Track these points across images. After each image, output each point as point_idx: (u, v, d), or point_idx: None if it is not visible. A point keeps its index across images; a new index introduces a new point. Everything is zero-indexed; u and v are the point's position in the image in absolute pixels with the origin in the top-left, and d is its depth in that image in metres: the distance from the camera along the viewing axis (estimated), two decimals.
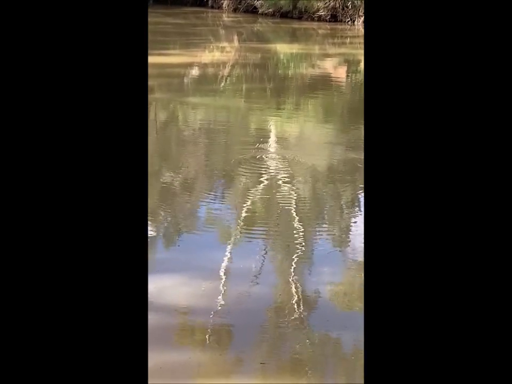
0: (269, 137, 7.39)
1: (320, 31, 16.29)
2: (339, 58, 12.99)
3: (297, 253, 4.48)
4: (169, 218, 5.14)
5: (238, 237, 4.76)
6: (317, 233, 4.88)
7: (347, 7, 16.83)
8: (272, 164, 6.30)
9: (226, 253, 4.44)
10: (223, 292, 3.90)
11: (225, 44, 14.59)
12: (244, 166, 6.17)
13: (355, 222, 5.11)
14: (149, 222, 4.75)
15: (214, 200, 5.51)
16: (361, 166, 6.26)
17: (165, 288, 3.89)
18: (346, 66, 12.34)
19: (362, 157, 6.50)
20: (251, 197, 5.47)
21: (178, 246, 4.68)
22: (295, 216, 5.06)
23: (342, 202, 5.51)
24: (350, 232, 4.93)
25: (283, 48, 14.23)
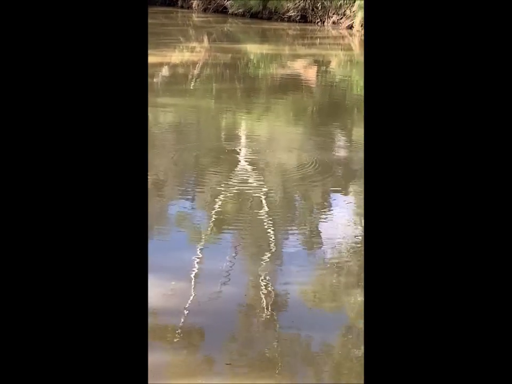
0: (239, 137, 7.39)
1: (290, 32, 16.32)
2: (309, 59, 13.03)
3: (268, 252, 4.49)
4: None
5: (209, 236, 4.76)
6: (288, 232, 4.89)
7: (317, 8, 16.88)
8: (242, 162, 6.30)
9: (197, 253, 4.43)
10: (193, 292, 3.89)
11: (195, 44, 14.55)
12: (213, 165, 6.17)
13: (324, 221, 5.13)
14: None
15: (184, 200, 5.50)
16: (331, 165, 6.28)
17: None
18: (316, 67, 12.38)
19: (331, 157, 6.53)
20: (221, 196, 5.46)
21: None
22: (266, 216, 5.07)
23: (312, 201, 5.52)
24: (320, 231, 4.95)
25: (253, 49, 14.23)
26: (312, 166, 6.28)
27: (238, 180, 5.85)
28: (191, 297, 3.83)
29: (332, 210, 5.35)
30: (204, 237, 4.75)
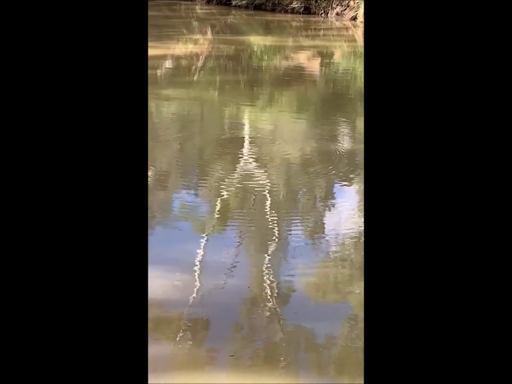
0: (243, 129, 7.38)
1: (293, 23, 16.28)
2: (312, 51, 13.00)
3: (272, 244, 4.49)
4: None
5: (213, 228, 4.76)
6: (292, 225, 4.89)
7: None
8: (246, 155, 6.29)
9: (201, 245, 4.44)
10: (197, 284, 3.90)
11: (198, 36, 14.53)
12: (218, 158, 6.17)
13: (329, 213, 5.13)
14: None
15: (188, 193, 5.50)
16: (335, 156, 6.27)
17: None
18: (320, 59, 12.35)
19: (335, 148, 6.52)
20: (225, 188, 5.46)
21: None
22: (270, 206, 5.07)
23: (316, 193, 5.52)
24: (324, 224, 4.95)
25: (257, 40, 14.20)
26: (316, 156, 6.28)
27: (242, 171, 5.85)
28: (195, 289, 3.83)
29: (336, 202, 5.34)
30: (207, 228, 4.75)
